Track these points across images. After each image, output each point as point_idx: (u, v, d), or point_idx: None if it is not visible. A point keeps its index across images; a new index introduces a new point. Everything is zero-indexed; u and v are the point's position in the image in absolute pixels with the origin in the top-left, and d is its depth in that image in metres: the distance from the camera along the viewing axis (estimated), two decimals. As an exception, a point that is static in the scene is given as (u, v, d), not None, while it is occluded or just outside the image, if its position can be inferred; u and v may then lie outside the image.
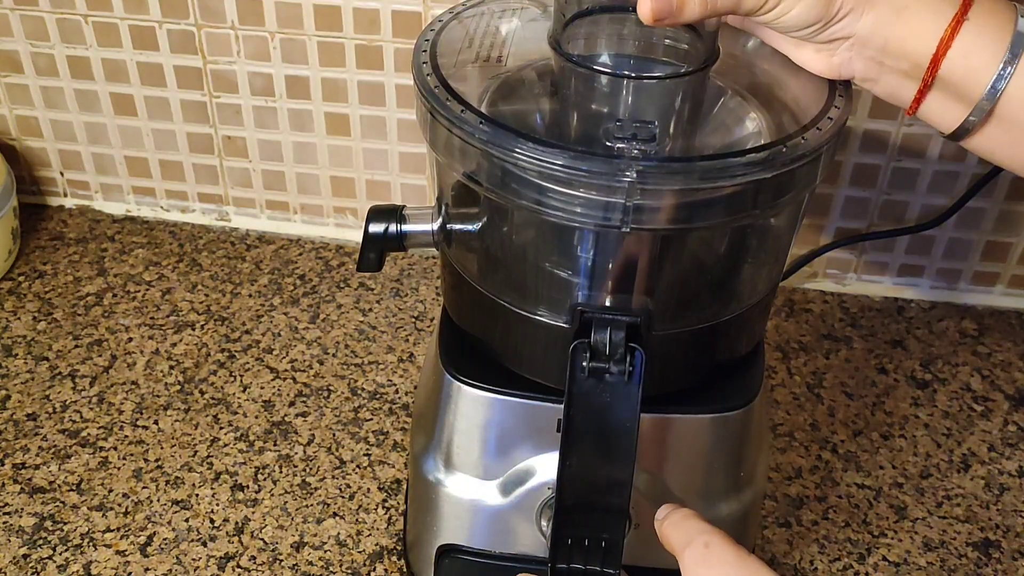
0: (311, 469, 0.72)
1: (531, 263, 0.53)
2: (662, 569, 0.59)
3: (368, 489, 0.71)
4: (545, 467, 0.55)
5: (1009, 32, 0.45)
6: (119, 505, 0.69)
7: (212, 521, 0.68)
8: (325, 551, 0.67)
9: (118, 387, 0.78)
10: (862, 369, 0.83)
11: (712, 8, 0.46)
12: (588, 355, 0.47)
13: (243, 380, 0.79)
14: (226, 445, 0.74)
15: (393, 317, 0.86)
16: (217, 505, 0.70)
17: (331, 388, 0.79)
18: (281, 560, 0.66)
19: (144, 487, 0.71)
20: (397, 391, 0.79)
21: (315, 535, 0.68)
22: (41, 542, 0.66)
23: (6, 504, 0.69)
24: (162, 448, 0.73)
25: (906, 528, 0.70)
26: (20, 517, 0.68)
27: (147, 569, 0.65)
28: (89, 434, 0.74)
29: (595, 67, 0.50)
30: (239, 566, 0.66)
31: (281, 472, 0.72)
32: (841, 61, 0.49)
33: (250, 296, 0.88)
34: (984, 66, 0.45)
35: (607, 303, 0.51)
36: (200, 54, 0.85)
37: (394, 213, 0.55)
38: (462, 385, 0.55)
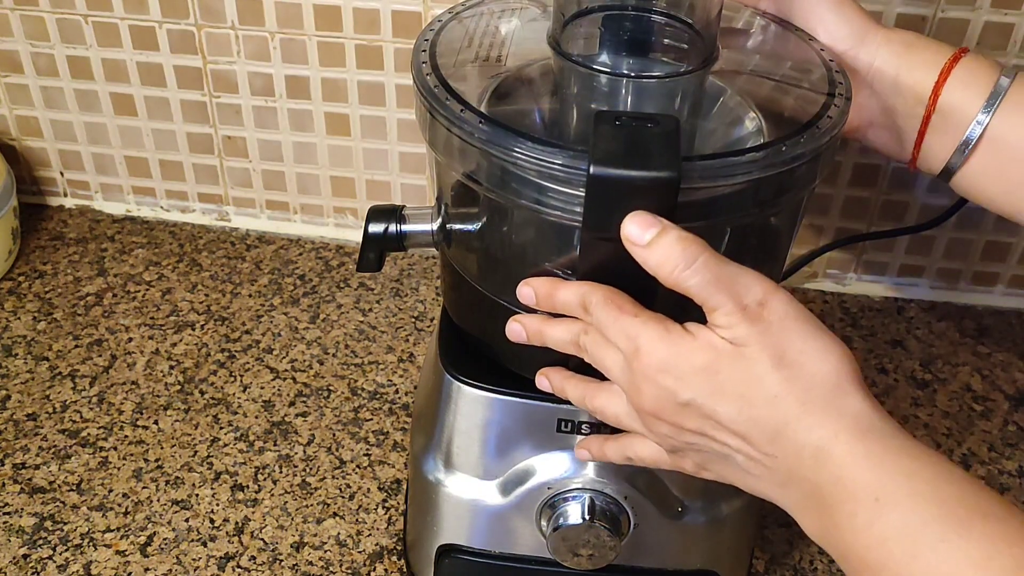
0: (311, 469, 0.72)
1: (531, 263, 0.53)
2: (662, 569, 0.59)
3: (368, 489, 0.71)
4: (545, 467, 0.55)
5: (993, 82, 0.53)
6: (119, 505, 0.69)
7: (212, 521, 0.68)
8: (325, 551, 0.67)
9: (118, 387, 0.78)
10: (862, 369, 0.82)
11: None
12: None
13: (243, 380, 0.79)
14: (226, 445, 0.74)
15: (393, 317, 0.86)
16: (217, 505, 0.70)
17: (331, 388, 0.79)
18: (281, 560, 0.66)
19: (144, 487, 0.71)
20: (397, 391, 0.79)
21: (315, 535, 0.68)
22: (41, 542, 0.66)
23: (6, 504, 0.69)
24: (162, 448, 0.73)
25: (906, 528, 0.70)
26: (20, 517, 0.68)
27: (147, 569, 0.65)
28: (89, 434, 0.74)
29: (595, 66, 0.50)
30: (239, 566, 0.66)
31: (281, 472, 0.72)
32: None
33: (250, 296, 0.88)
34: (969, 106, 0.53)
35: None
36: (200, 54, 0.85)
37: (394, 213, 0.55)
38: (462, 385, 0.55)
